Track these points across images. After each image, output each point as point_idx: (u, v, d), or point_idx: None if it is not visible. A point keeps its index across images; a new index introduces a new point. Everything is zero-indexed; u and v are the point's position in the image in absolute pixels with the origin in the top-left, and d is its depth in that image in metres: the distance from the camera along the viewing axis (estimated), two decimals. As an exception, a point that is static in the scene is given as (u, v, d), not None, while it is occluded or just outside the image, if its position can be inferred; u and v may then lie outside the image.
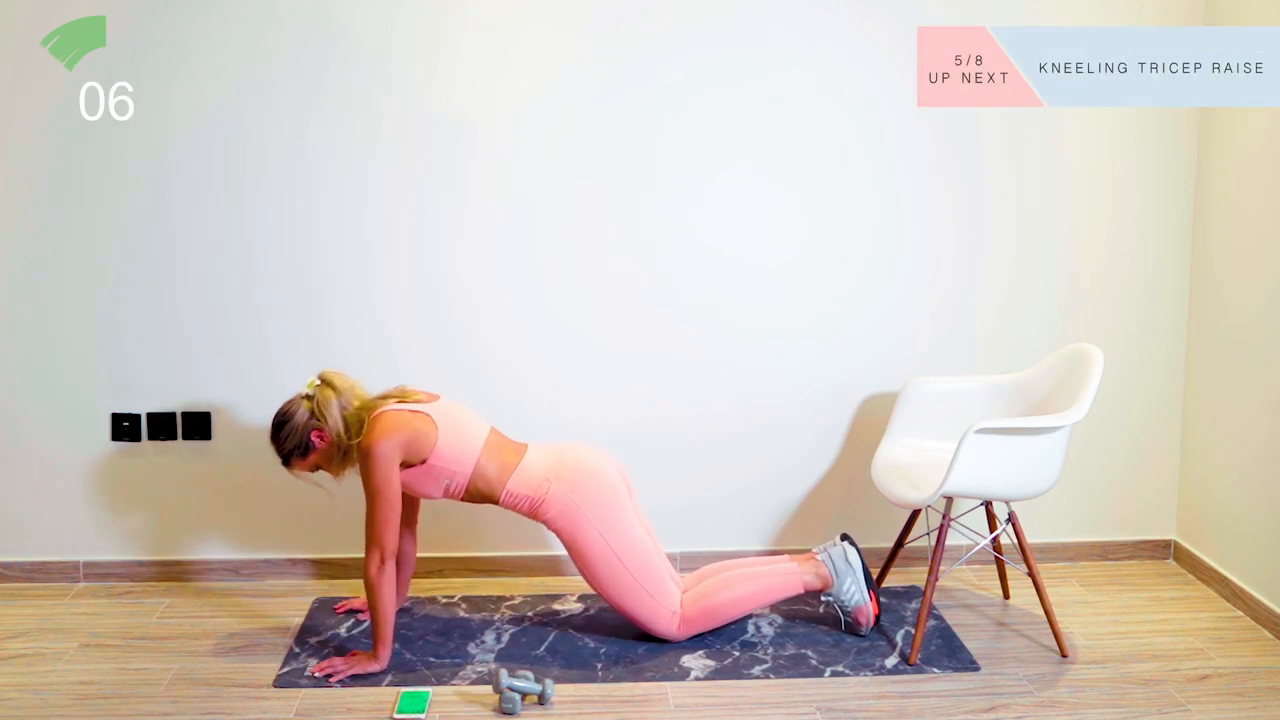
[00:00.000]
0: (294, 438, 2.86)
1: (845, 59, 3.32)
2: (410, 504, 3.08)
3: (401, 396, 2.91)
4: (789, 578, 3.04)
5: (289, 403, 2.89)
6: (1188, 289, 3.51)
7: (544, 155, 3.31)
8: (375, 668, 2.81)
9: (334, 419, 2.84)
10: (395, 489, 2.80)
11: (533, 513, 2.93)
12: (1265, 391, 3.15)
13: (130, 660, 2.91)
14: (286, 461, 2.91)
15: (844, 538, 3.10)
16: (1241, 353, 3.26)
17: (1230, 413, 3.32)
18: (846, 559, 3.05)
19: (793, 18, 3.29)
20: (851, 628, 3.07)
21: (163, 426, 3.35)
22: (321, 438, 2.86)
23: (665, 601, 2.94)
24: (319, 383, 2.89)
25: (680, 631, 2.97)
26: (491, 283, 3.35)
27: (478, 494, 2.93)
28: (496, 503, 2.94)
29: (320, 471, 2.96)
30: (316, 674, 2.79)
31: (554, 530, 2.93)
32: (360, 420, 2.85)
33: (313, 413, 2.85)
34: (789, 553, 3.32)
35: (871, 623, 3.05)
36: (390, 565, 2.80)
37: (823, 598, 3.08)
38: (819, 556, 3.07)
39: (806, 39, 3.30)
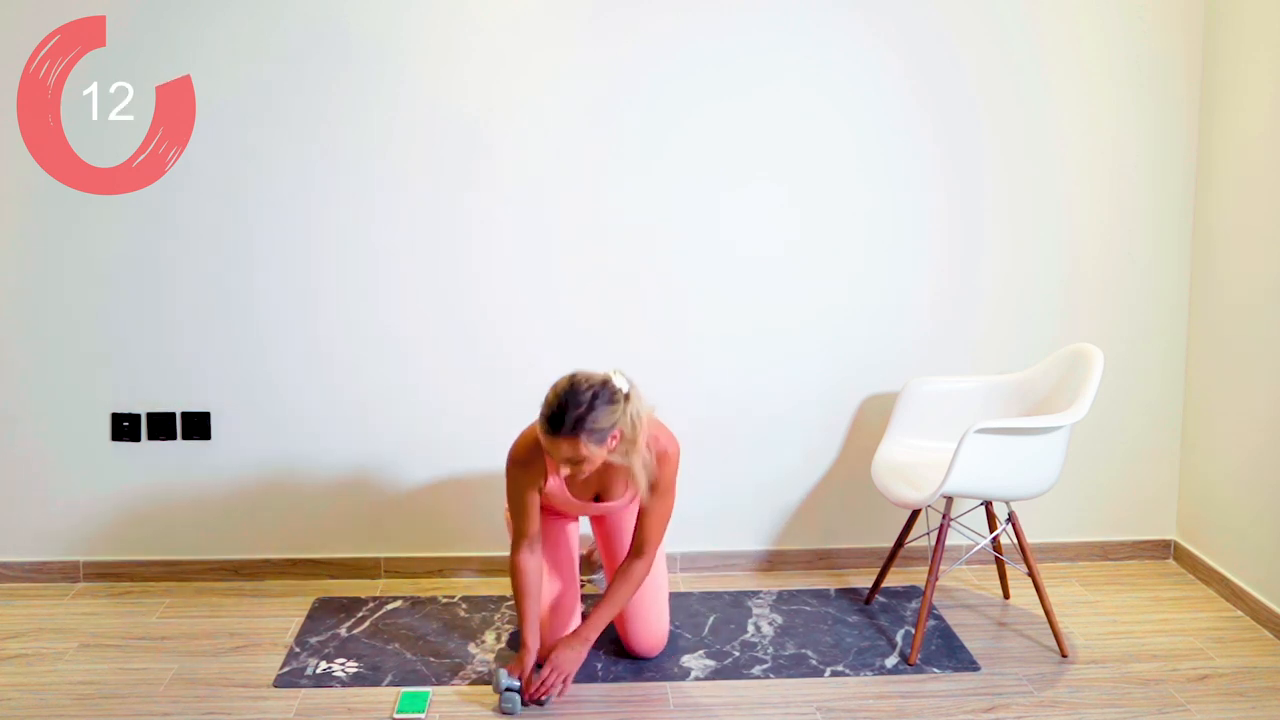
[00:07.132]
0: (606, 419, 2.45)
1: (846, 59, 3.32)
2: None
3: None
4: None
5: (606, 382, 2.49)
6: (1188, 289, 3.51)
7: (552, 157, 3.30)
8: (529, 660, 2.70)
9: (638, 433, 2.52)
10: None
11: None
12: (1265, 391, 3.15)
13: (130, 660, 2.91)
14: (573, 431, 2.43)
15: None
16: (1241, 353, 3.26)
17: (1230, 413, 3.32)
18: None
19: (793, 21, 3.29)
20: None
21: (163, 426, 3.35)
22: (617, 440, 2.53)
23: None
24: (630, 386, 2.53)
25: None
26: (489, 283, 3.35)
27: None
28: None
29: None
30: (542, 698, 2.63)
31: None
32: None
33: (628, 414, 2.50)
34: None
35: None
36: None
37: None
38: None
39: (806, 41, 3.30)
